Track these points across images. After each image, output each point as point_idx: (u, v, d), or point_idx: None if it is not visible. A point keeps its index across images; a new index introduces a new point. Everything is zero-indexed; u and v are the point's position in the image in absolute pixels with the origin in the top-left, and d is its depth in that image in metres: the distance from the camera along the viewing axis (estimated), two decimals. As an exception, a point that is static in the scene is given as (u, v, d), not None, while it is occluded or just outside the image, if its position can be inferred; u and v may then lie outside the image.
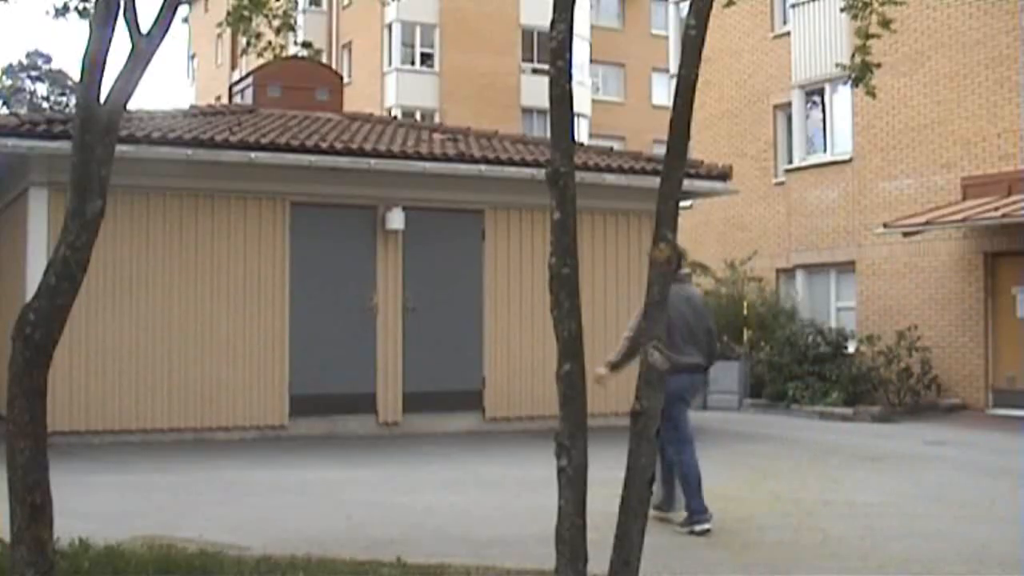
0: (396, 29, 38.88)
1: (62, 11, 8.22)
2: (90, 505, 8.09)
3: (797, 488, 9.74)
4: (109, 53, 5.27)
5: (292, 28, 9.15)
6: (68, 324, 5.17)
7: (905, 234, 18.29)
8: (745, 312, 20.04)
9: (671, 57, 24.64)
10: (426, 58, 39.56)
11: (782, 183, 21.76)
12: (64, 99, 54.53)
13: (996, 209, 16.30)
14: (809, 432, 14.95)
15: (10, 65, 57.80)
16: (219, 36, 36.31)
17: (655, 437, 4.52)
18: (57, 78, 57.12)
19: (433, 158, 13.88)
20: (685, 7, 7.62)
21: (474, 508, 8.66)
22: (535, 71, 39.36)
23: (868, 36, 8.04)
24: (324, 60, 36.55)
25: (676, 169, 4.74)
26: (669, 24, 26.84)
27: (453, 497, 9.17)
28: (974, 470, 11.30)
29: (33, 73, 58.02)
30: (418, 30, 39.21)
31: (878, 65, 8.15)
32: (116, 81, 5.24)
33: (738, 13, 18.73)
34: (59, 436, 10.42)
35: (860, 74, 8.03)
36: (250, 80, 17.07)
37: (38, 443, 4.93)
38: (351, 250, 13.78)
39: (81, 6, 8.01)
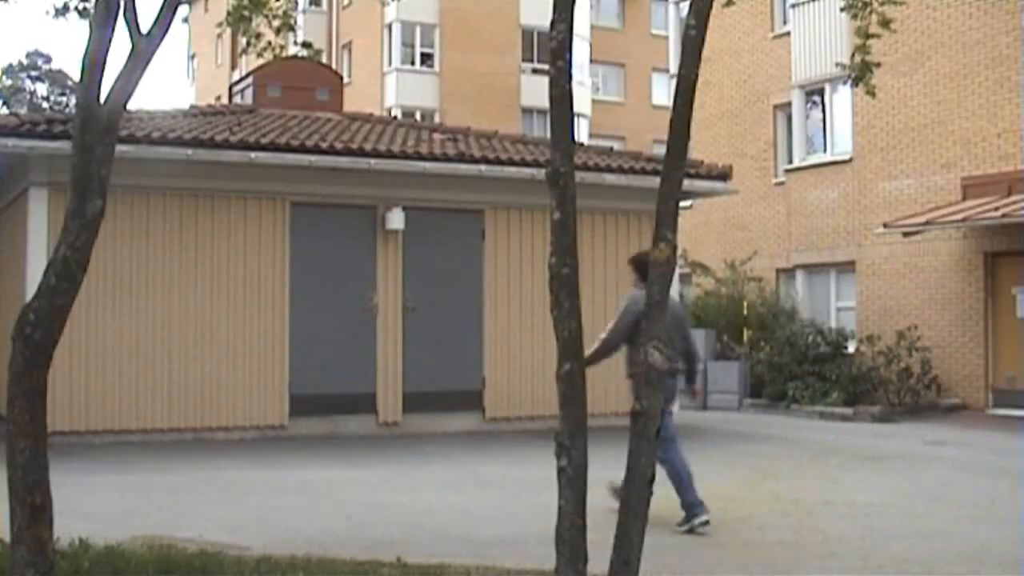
0: (396, 29, 38.88)
1: (62, 11, 8.22)
2: (90, 505, 8.09)
3: (797, 488, 9.74)
4: (109, 53, 5.27)
5: (292, 28, 9.15)
6: (68, 324, 5.17)
7: (905, 234, 18.29)
8: (745, 312, 20.05)
9: (671, 57, 24.64)
10: (426, 58, 39.56)
11: (782, 183, 21.77)
12: (64, 99, 54.55)
13: (996, 209, 16.30)
14: (809, 432, 14.95)
15: (10, 65, 57.88)
16: (219, 36, 36.30)
17: (656, 437, 4.53)
18: (57, 78, 57.14)
19: (433, 158, 13.89)
20: (685, 7, 7.63)
21: (474, 508, 8.66)
22: (535, 71, 39.37)
23: (868, 36, 8.04)
24: (324, 60, 36.55)
25: (676, 169, 4.74)
26: (669, 24, 26.84)
27: (453, 497, 9.17)
28: (974, 470, 11.30)
29: (33, 73, 58.04)
30: (418, 30, 39.21)
31: (878, 65, 8.15)
32: (116, 81, 5.24)
33: (738, 13, 18.73)
34: (59, 436, 10.42)
35: (860, 74, 8.03)
36: (250, 80, 17.07)
37: (38, 443, 4.93)
38: (351, 250, 13.78)
39: (81, 6, 8.01)
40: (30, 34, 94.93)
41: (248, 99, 16.76)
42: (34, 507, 4.85)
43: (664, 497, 7.92)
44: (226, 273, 13.17)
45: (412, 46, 39.31)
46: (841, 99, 20.18)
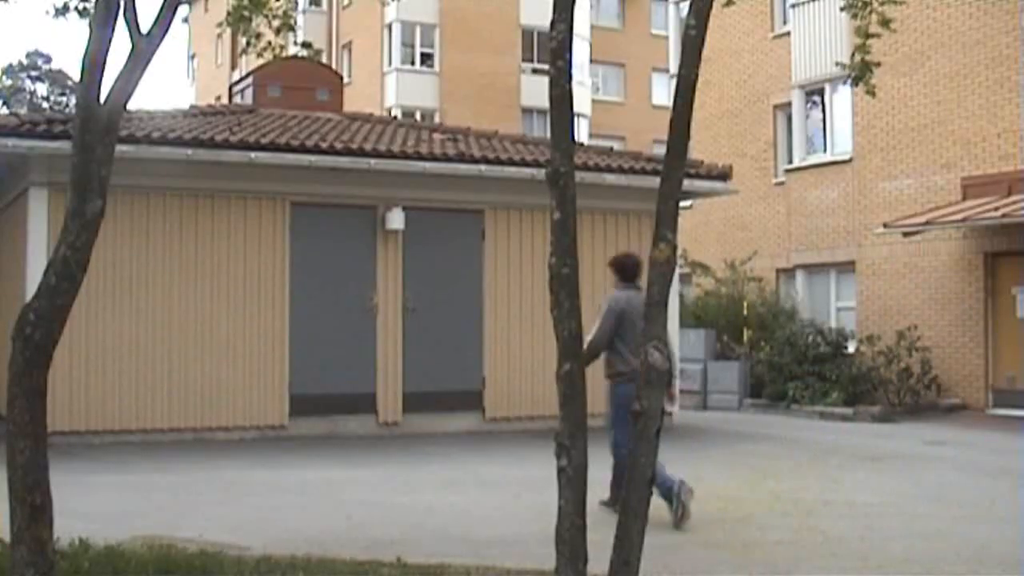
0: (396, 29, 38.88)
1: (62, 11, 8.23)
2: (90, 505, 8.09)
3: (797, 488, 9.74)
4: (109, 53, 5.27)
5: (292, 28, 9.16)
6: (68, 324, 5.17)
7: (905, 234, 18.29)
8: (745, 312, 20.05)
9: (671, 57, 24.63)
10: (426, 58, 39.56)
11: (782, 183, 21.76)
12: (64, 99, 54.56)
13: (996, 209, 16.30)
14: (809, 432, 14.94)
15: (10, 65, 57.91)
16: (219, 36, 36.32)
17: (656, 437, 4.53)
18: (57, 78, 57.15)
19: (433, 158, 13.88)
20: (685, 7, 7.63)
21: (474, 508, 8.66)
22: (535, 71, 39.37)
23: (868, 35, 8.05)
24: (324, 60, 36.55)
25: (676, 169, 4.74)
26: (669, 24, 26.84)
27: (453, 497, 9.17)
28: (974, 470, 11.30)
29: (33, 73, 58.06)
30: (418, 30, 39.21)
31: (878, 64, 8.16)
32: (116, 81, 5.24)
33: (738, 13, 18.73)
34: (59, 436, 10.43)
35: (860, 73, 8.04)
36: (250, 80, 17.07)
37: (38, 443, 4.93)
38: (351, 250, 13.78)
39: (81, 6, 8.02)
40: (30, 34, 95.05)
41: (248, 99, 16.76)
42: (34, 507, 4.85)
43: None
44: (226, 273, 13.17)
45: (412, 46, 39.31)
46: (841, 99, 20.18)
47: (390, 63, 39.13)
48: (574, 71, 4.86)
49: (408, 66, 39.15)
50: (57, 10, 8.26)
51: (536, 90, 38.96)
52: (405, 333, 13.91)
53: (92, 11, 5.58)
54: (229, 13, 8.78)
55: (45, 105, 54.32)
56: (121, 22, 5.25)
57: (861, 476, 10.80)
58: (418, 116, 35.77)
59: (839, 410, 17.05)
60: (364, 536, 7.28)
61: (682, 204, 6.70)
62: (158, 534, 6.88)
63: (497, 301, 14.38)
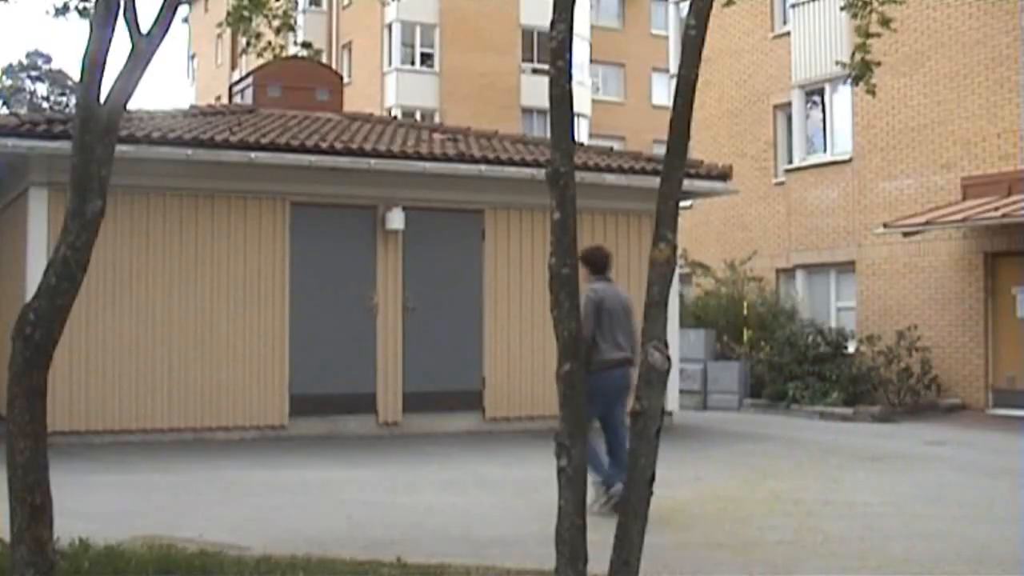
0: (396, 29, 38.88)
1: (62, 11, 8.23)
2: (90, 505, 8.09)
3: (797, 488, 9.74)
4: (109, 53, 5.27)
5: (292, 28, 9.16)
6: (68, 324, 5.17)
7: (905, 234, 18.29)
8: (745, 312, 20.05)
9: (671, 57, 24.63)
10: (426, 58, 39.57)
11: (782, 183, 21.76)
12: (64, 99, 54.56)
13: (996, 209, 16.30)
14: (809, 432, 14.95)
15: (10, 65, 57.91)
16: (219, 36, 36.27)
17: (656, 436, 4.53)
18: (57, 78, 57.16)
19: (433, 158, 13.88)
20: (685, 7, 7.64)
21: (474, 508, 8.66)
22: (535, 71, 39.36)
23: (868, 35, 8.05)
24: (324, 60, 36.55)
25: (676, 169, 4.75)
26: (669, 24, 26.84)
27: (453, 497, 9.17)
28: (974, 470, 11.30)
29: (33, 73, 58.06)
30: (418, 30, 39.21)
31: (878, 64, 8.16)
32: (116, 81, 5.24)
33: (738, 13, 18.73)
34: (59, 436, 10.43)
35: (860, 73, 8.04)
36: (250, 80, 17.07)
37: (38, 443, 4.94)
38: (351, 250, 13.78)
39: (81, 6, 8.02)
40: (30, 34, 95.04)
41: (248, 99, 16.76)
42: (34, 507, 4.85)
43: (664, 497, 7.94)
44: (226, 273, 13.16)
45: (412, 46, 39.31)
46: (841, 99, 20.18)
47: (390, 63, 39.13)
48: (574, 71, 4.86)
49: (408, 66, 39.16)
50: (57, 10, 8.26)
51: (536, 90, 38.96)
52: (405, 333, 13.91)
53: (92, 11, 5.58)
54: (229, 13, 8.78)
55: (45, 105, 54.33)
56: (121, 22, 5.25)
57: (861, 476, 10.80)
58: (418, 116, 35.77)
59: (839, 410, 17.05)
60: (364, 536, 7.28)
61: (682, 204, 6.70)
62: (158, 534, 6.88)
63: (497, 301, 14.38)
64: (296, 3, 11.86)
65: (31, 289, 6.11)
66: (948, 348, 18.07)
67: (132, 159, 11.67)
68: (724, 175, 15.74)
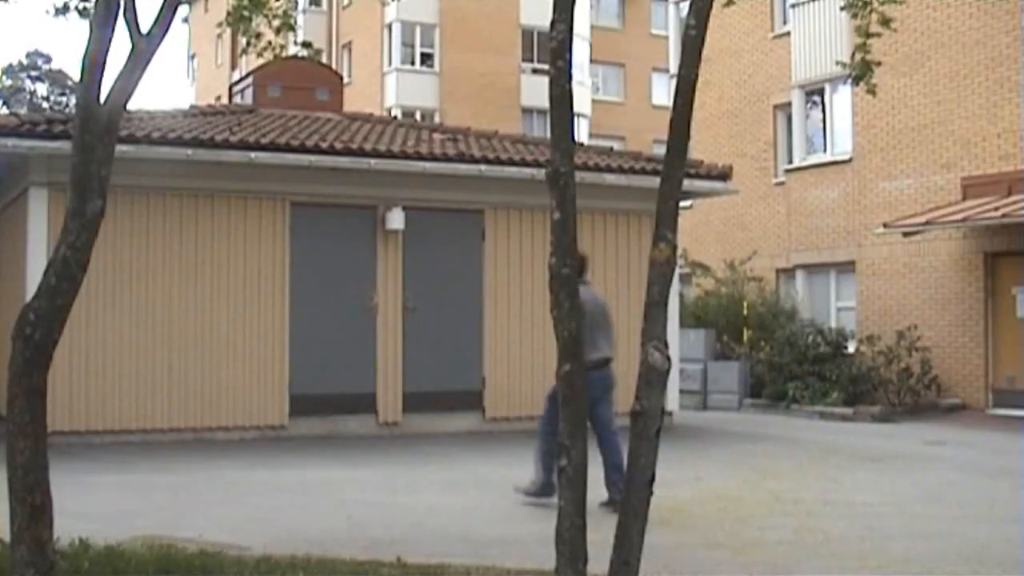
0: (396, 29, 38.88)
1: (62, 11, 8.22)
2: (90, 505, 8.09)
3: (797, 488, 9.74)
4: (109, 53, 5.27)
5: (292, 28, 9.15)
6: (68, 324, 5.17)
7: (905, 234, 18.30)
8: (745, 312, 20.05)
9: (671, 57, 24.64)
10: (426, 58, 39.57)
11: (782, 183, 21.77)
12: (64, 99, 54.57)
13: (996, 209, 16.30)
14: (809, 432, 14.95)
15: (10, 65, 57.91)
16: (219, 36, 36.28)
17: (656, 436, 4.53)
18: (57, 78, 57.17)
19: (433, 158, 13.88)
20: (685, 7, 7.64)
21: (474, 508, 8.66)
22: (535, 71, 39.36)
23: (868, 35, 8.05)
24: (324, 60, 36.55)
25: (676, 169, 4.75)
26: (669, 24, 26.84)
27: (453, 497, 9.17)
28: (974, 470, 11.30)
29: (33, 73, 58.07)
30: (418, 30, 39.21)
31: (878, 64, 8.16)
32: (116, 81, 5.24)
33: (738, 13, 18.73)
34: (59, 436, 10.43)
35: (860, 72, 8.04)
36: (250, 80, 17.07)
37: (38, 443, 4.94)
38: (351, 250, 13.78)
39: (81, 6, 8.01)
40: (30, 34, 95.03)
41: (248, 99, 16.76)
42: (34, 507, 4.85)
43: (664, 497, 7.94)
44: (226, 273, 13.16)
45: (412, 46, 39.31)
46: (841, 99, 20.18)
47: (390, 63, 39.13)
48: (574, 71, 4.86)
49: (408, 66, 39.16)
50: (57, 10, 8.25)
51: (536, 90, 38.96)
52: (405, 333, 13.91)
53: (92, 11, 5.58)
54: (229, 13, 8.78)
55: (45, 105, 54.33)
56: (121, 22, 5.25)
57: (861, 476, 10.80)
58: (418, 116, 35.77)
59: (839, 410, 17.05)
60: (364, 536, 7.28)
61: (682, 204, 6.70)
62: (158, 534, 6.88)
63: (497, 301, 14.38)
64: (296, 3, 11.85)
65: (31, 289, 6.11)
66: (948, 348, 18.07)
67: (132, 159, 11.67)
68: (724, 175, 15.74)
